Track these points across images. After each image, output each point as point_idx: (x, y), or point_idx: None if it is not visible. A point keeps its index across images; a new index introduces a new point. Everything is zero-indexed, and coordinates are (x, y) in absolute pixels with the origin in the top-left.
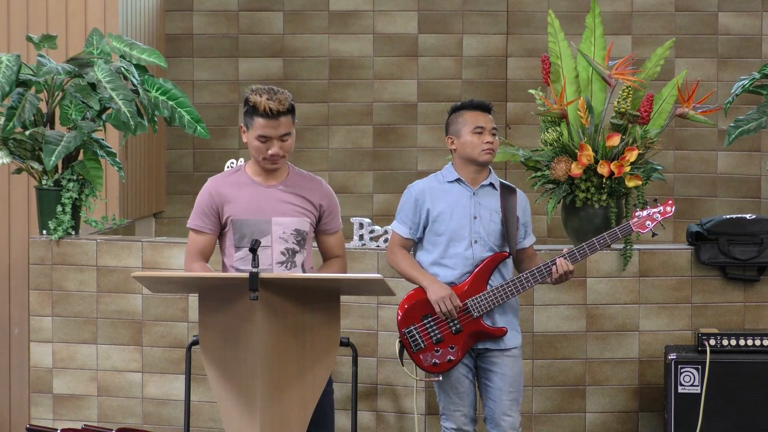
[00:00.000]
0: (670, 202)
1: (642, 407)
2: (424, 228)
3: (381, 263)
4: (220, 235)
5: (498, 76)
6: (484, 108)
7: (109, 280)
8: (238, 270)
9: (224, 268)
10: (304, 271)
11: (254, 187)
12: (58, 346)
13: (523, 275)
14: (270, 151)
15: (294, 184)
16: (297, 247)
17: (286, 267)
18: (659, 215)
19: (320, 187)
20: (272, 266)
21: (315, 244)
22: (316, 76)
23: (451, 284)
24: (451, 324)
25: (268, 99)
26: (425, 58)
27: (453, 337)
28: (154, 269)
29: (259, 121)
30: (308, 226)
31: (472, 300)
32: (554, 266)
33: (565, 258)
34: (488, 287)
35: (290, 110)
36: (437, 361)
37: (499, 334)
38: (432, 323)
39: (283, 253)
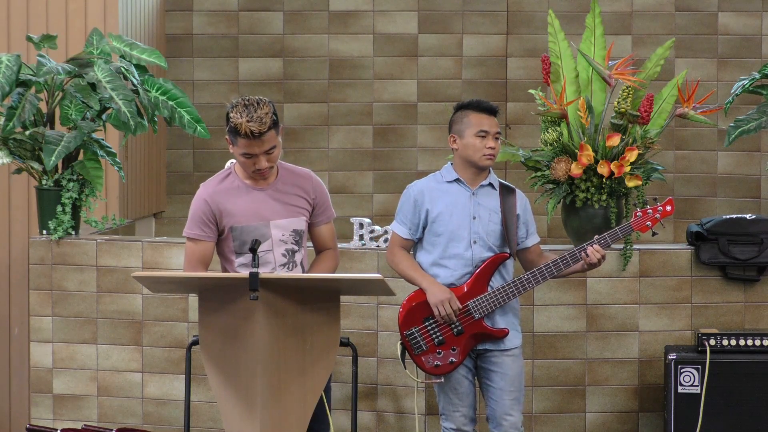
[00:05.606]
0: (670, 201)
1: (642, 407)
2: (424, 228)
3: (381, 263)
4: (218, 241)
5: (498, 76)
6: (491, 111)
7: (109, 280)
8: None
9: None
10: (303, 269)
11: (248, 192)
12: (58, 346)
13: (524, 275)
14: (257, 166)
15: (286, 181)
16: (296, 247)
17: (287, 268)
18: (659, 215)
19: (310, 180)
20: (275, 269)
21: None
22: (316, 76)
23: (451, 285)
24: (453, 326)
25: (248, 121)
26: (425, 58)
27: (454, 339)
28: (154, 269)
29: (241, 141)
30: (304, 224)
31: (474, 302)
32: (577, 257)
33: (593, 245)
34: (489, 288)
35: (272, 125)
36: (439, 363)
37: (500, 335)
38: (433, 325)
39: (284, 255)
